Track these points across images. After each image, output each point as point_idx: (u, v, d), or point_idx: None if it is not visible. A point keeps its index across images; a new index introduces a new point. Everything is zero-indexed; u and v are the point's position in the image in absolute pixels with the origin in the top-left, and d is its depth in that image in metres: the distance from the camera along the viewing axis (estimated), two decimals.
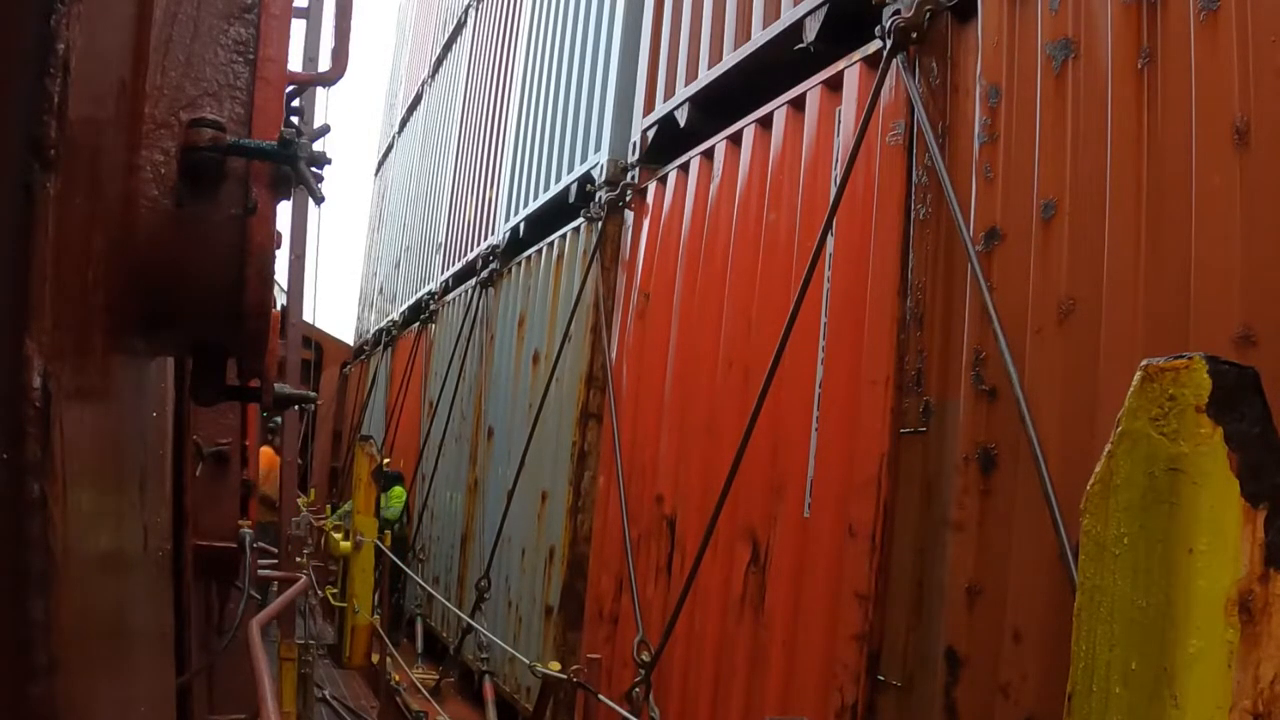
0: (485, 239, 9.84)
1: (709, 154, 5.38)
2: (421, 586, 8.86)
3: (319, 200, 1.65)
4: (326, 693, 8.12)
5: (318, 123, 3.41)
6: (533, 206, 8.40)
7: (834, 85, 4.26)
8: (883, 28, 3.74)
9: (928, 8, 3.62)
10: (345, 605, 8.18)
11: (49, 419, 0.96)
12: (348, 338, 19.87)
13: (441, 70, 14.40)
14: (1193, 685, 1.40)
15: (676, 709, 4.68)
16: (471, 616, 6.68)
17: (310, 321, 13.56)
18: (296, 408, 6.07)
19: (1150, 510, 1.46)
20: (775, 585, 4.15)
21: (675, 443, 5.05)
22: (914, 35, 3.65)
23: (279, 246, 1.82)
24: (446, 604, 6.95)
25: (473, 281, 9.69)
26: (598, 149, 6.98)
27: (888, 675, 3.45)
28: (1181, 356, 1.48)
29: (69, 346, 1.05)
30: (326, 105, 27.50)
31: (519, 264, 8.56)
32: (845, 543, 3.75)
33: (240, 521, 5.16)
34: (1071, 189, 2.96)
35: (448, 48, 13.96)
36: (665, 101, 6.03)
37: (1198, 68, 2.59)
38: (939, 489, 3.34)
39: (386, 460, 10.15)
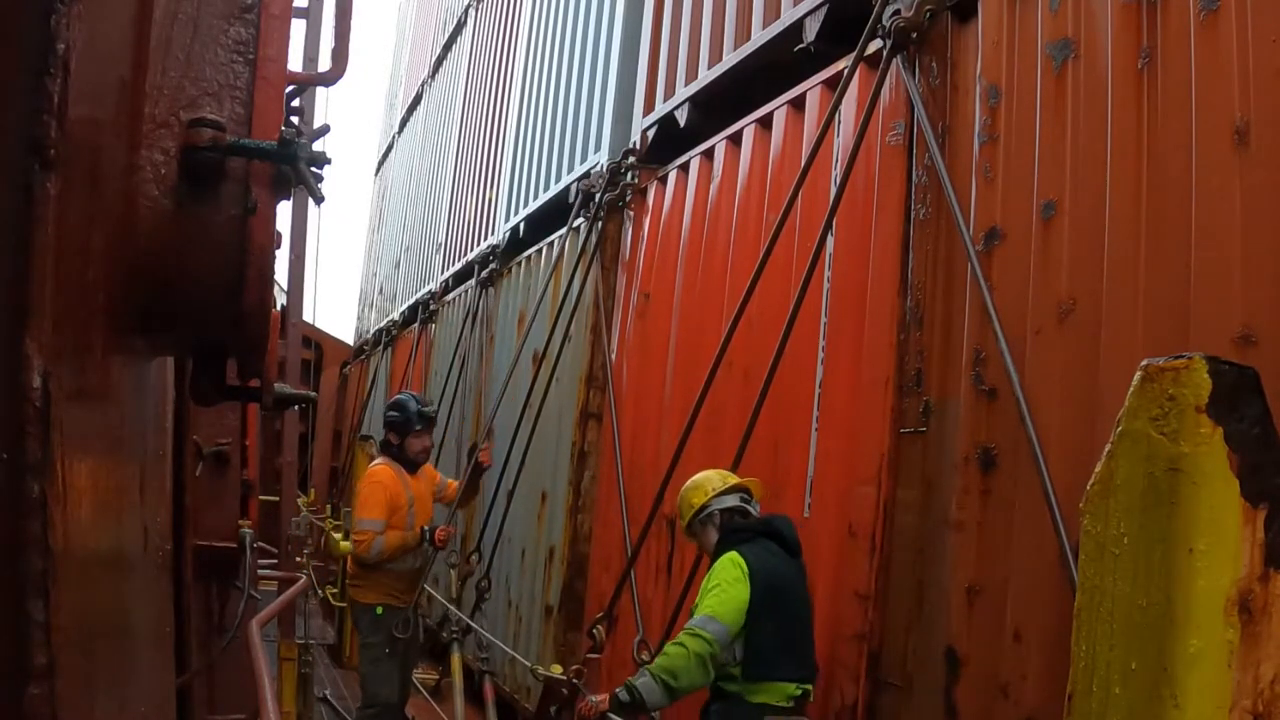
0: (485, 239, 9.83)
1: (709, 154, 5.37)
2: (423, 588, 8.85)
3: (319, 200, 1.65)
4: (326, 693, 8.11)
5: (318, 123, 3.41)
6: (532, 206, 8.39)
7: (834, 85, 4.25)
8: (883, 28, 3.74)
9: (928, 8, 3.62)
10: (345, 605, 8.15)
11: (49, 419, 0.96)
12: (348, 338, 19.86)
13: (441, 70, 14.39)
14: (1193, 685, 1.40)
15: (676, 708, 4.67)
16: (471, 617, 6.68)
17: (310, 321, 13.57)
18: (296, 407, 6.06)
19: (1150, 510, 1.46)
20: None
21: (675, 443, 5.05)
22: (914, 35, 3.65)
23: (279, 246, 1.82)
24: (447, 605, 6.94)
25: (472, 281, 9.68)
26: (598, 149, 6.98)
27: (888, 675, 3.45)
28: (1181, 356, 1.48)
29: (69, 346, 1.05)
30: (326, 105, 27.56)
31: (519, 264, 8.55)
32: (845, 543, 3.74)
33: (240, 521, 5.16)
34: (1071, 189, 2.96)
35: (448, 48, 13.96)
36: (665, 101, 6.03)
37: (1198, 68, 2.59)
38: (939, 489, 3.34)
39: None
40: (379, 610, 6.08)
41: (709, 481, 3.72)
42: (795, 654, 3.46)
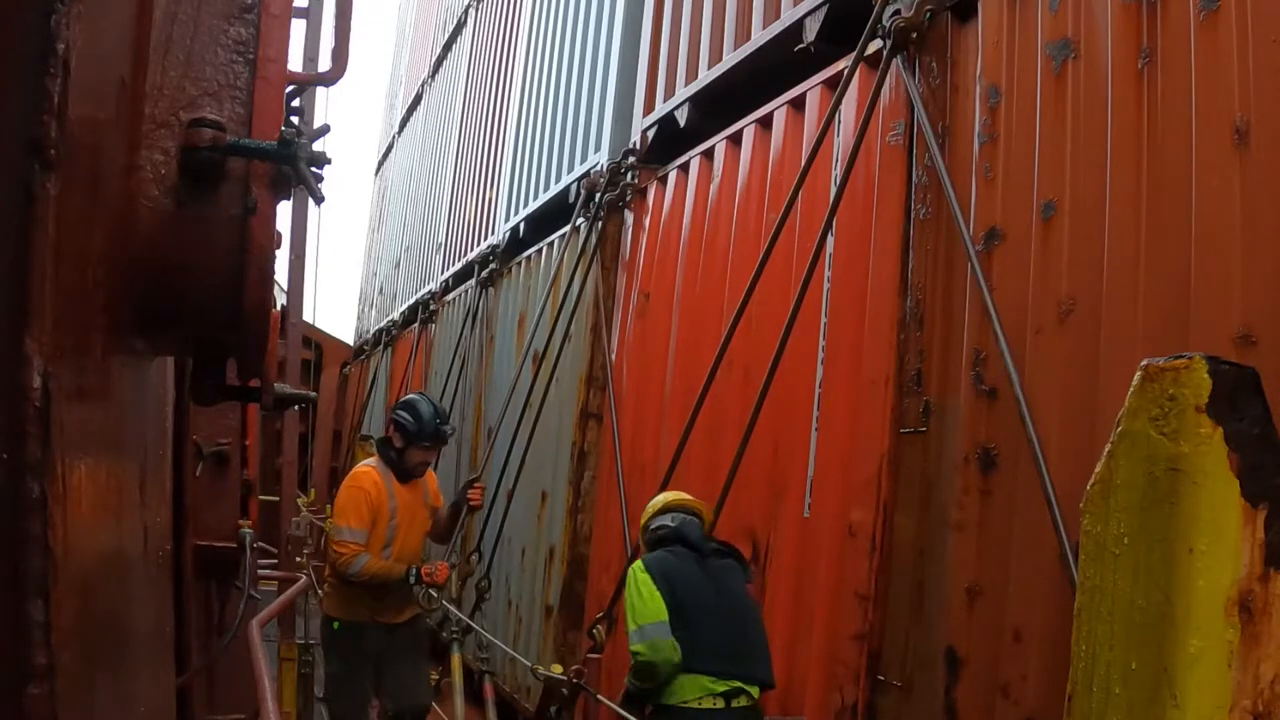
0: (485, 239, 9.84)
1: (709, 154, 5.37)
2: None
3: (319, 200, 1.65)
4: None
5: (318, 123, 3.41)
6: (533, 206, 8.39)
7: (834, 85, 4.25)
8: (883, 28, 3.74)
9: (928, 8, 3.62)
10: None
11: (49, 419, 0.96)
12: (348, 338, 19.86)
13: (441, 70, 14.39)
14: (1193, 685, 1.40)
15: None
16: (471, 617, 6.68)
17: (310, 321, 13.57)
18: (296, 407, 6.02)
19: (1150, 510, 1.46)
20: (775, 585, 4.15)
21: (675, 442, 5.05)
22: (914, 35, 3.65)
23: (279, 246, 1.82)
24: (447, 605, 6.93)
25: (472, 281, 9.68)
26: (598, 149, 6.98)
27: (888, 675, 3.45)
28: (1181, 356, 1.47)
29: (69, 346, 1.05)
30: (326, 105, 27.56)
31: (519, 264, 8.55)
32: (845, 543, 3.74)
33: (240, 521, 5.16)
34: (1071, 189, 2.96)
35: (448, 48, 13.96)
36: (665, 101, 6.03)
37: (1198, 68, 2.59)
38: (939, 489, 3.34)
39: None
40: (335, 625, 5.43)
41: (653, 505, 4.10)
42: (711, 647, 3.55)
